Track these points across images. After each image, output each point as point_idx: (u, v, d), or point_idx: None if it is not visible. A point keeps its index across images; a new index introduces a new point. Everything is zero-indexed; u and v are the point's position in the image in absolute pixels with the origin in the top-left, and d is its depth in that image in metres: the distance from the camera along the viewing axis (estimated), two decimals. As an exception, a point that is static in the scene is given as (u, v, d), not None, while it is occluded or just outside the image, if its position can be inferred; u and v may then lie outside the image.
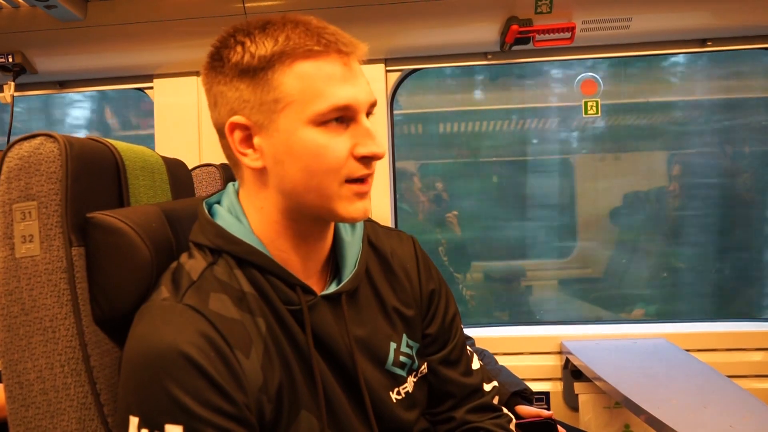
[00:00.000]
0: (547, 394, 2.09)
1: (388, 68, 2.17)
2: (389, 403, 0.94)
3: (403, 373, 0.98)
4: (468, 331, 1.97)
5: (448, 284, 1.11)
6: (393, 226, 2.17)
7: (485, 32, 2.03)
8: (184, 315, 0.80)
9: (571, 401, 2.05)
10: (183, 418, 0.74)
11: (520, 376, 2.07)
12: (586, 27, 1.96)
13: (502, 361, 2.07)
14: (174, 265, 0.88)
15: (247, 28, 0.83)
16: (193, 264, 0.87)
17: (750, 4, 1.96)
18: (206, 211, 0.92)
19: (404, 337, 0.99)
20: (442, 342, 1.05)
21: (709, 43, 2.07)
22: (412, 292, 1.03)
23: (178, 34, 2.02)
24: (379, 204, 2.08)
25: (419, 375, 1.02)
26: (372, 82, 2.26)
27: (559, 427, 1.57)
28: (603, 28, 1.97)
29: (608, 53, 2.08)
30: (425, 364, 1.03)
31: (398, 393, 0.97)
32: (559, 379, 2.10)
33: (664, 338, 2.03)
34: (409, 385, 0.99)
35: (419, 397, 1.01)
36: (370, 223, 1.07)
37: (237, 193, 0.92)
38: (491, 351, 2.07)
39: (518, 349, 2.12)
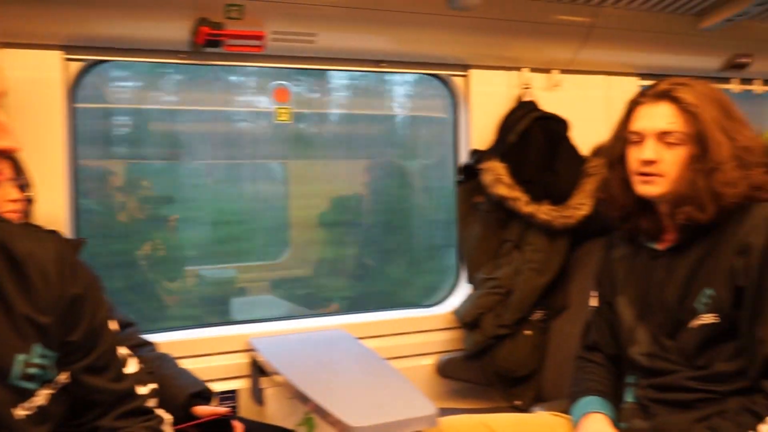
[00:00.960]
0: (234, 392, 2.14)
1: (68, 56, 1.99)
2: (11, 420, 0.87)
3: (32, 386, 0.91)
4: (150, 337, 1.90)
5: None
6: (70, 228, 2.00)
7: (176, 30, 1.99)
8: None
9: (258, 396, 2.13)
10: None
11: (209, 377, 2.07)
12: (276, 37, 2.06)
13: (189, 363, 2.05)
14: None
15: None
16: None
17: (417, 36, 2.27)
18: None
19: (37, 347, 0.93)
20: (87, 349, 1.01)
21: (383, 65, 2.35)
22: (51, 297, 0.96)
23: None
24: (50, 203, 1.88)
25: (57, 386, 0.96)
26: (46, 71, 2.04)
27: (235, 422, 1.63)
28: (291, 40, 2.09)
29: (297, 64, 2.22)
30: (67, 374, 0.98)
31: (25, 408, 0.90)
32: (248, 376, 2.16)
33: (342, 329, 2.23)
34: (40, 398, 0.92)
35: (54, 409, 0.95)
36: (3, 223, 0.98)
37: None
38: (177, 355, 2.02)
39: (206, 350, 2.13)
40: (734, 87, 2.80)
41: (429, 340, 2.41)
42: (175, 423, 1.58)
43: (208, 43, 1.97)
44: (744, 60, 2.58)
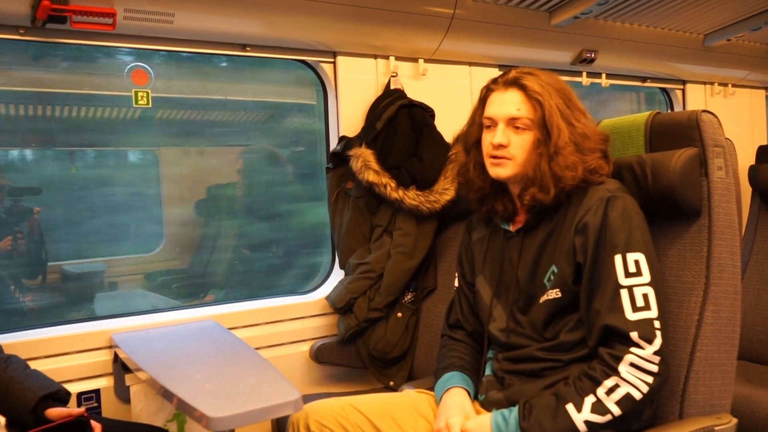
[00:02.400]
0: (97, 391, 2.03)
1: None
2: None
3: None
4: (-5, 339, 1.76)
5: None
6: None
7: (15, 2, 1.83)
8: None
9: (124, 394, 2.03)
10: None
11: (69, 377, 1.97)
12: (129, 15, 1.94)
13: (43, 364, 1.92)
14: None
15: None
16: None
17: (284, 20, 2.23)
18: None
19: None
20: None
21: (248, 49, 2.29)
22: None
23: None
24: None
25: None
26: None
27: (94, 422, 1.55)
28: (147, 19, 1.97)
29: (153, 45, 2.10)
30: None
31: None
32: (112, 374, 2.06)
33: (212, 320, 2.17)
34: None
35: None
36: None
37: None
38: (32, 355, 1.91)
39: (63, 349, 1.99)
40: (584, 80, 3.03)
41: (304, 327, 2.41)
42: (27, 428, 1.49)
43: (52, 19, 1.82)
44: (590, 55, 2.80)
